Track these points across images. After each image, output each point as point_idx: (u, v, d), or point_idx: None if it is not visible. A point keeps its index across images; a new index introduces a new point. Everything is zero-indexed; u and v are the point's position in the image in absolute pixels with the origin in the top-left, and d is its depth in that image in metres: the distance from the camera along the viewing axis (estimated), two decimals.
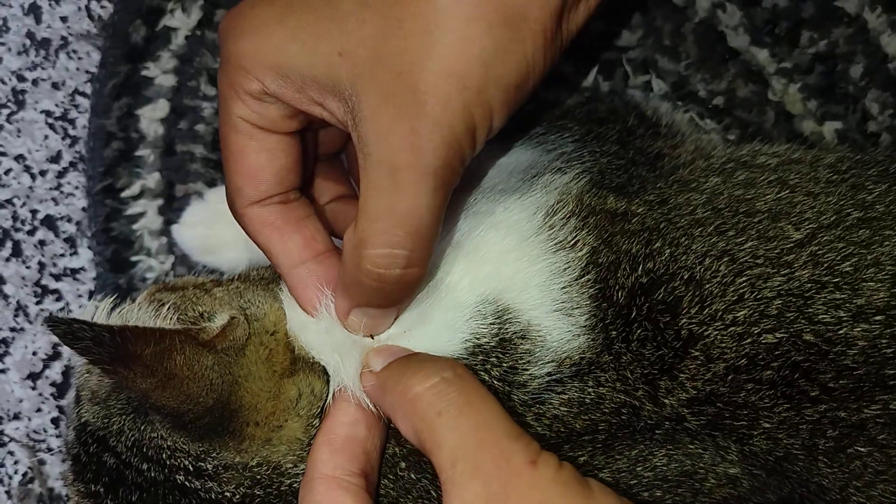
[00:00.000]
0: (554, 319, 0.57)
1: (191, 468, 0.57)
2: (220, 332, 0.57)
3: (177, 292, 0.62)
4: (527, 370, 0.57)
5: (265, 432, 0.57)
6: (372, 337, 0.59)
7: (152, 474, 0.57)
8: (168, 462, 0.57)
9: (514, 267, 0.59)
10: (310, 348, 0.59)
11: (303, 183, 0.60)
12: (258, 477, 0.57)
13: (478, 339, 0.58)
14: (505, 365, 0.57)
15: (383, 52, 0.49)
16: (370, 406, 0.57)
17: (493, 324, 0.58)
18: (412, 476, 0.58)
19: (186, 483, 0.57)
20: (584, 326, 0.57)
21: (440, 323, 0.59)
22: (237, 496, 0.57)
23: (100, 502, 0.59)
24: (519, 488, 0.50)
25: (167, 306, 0.58)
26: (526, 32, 0.50)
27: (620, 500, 0.52)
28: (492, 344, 0.58)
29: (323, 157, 0.66)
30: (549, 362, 0.57)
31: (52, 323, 0.52)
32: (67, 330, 0.52)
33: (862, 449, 0.55)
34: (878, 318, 0.55)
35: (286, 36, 0.51)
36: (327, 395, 0.59)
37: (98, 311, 0.55)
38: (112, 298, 0.56)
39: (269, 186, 0.57)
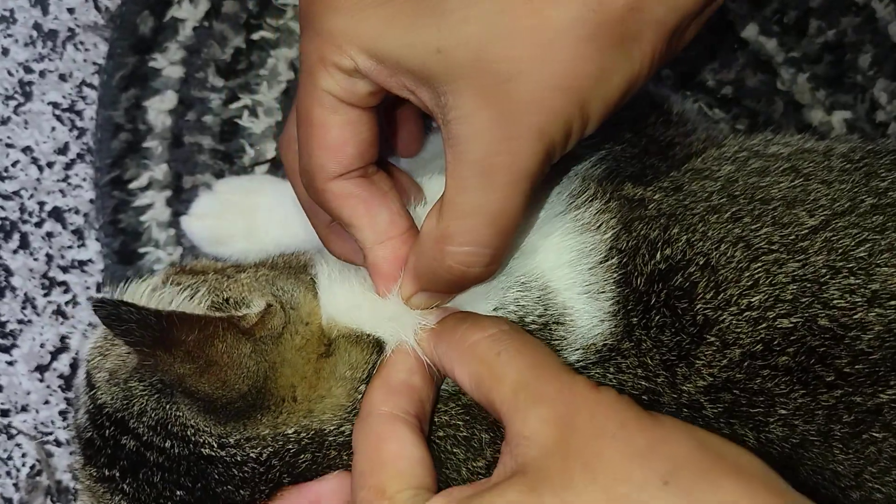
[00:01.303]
0: (583, 302, 0.58)
1: (215, 443, 0.57)
2: (258, 319, 0.56)
3: (197, 276, 0.62)
4: (559, 357, 0.57)
5: (306, 406, 0.57)
6: None
7: (176, 450, 0.57)
8: (194, 438, 0.57)
9: (547, 242, 0.59)
10: (359, 325, 0.59)
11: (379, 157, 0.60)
12: (294, 440, 0.57)
13: (525, 313, 0.58)
14: None
15: (486, 56, 0.49)
16: (426, 359, 0.57)
17: (538, 302, 0.59)
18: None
19: (212, 454, 0.57)
20: (609, 312, 0.57)
21: (489, 297, 0.59)
22: (263, 455, 0.57)
23: (115, 487, 0.58)
24: (585, 408, 0.50)
25: (201, 292, 0.58)
26: (636, 53, 0.50)
27: (686, 426, 0.52)
28: (537, 325, 0.58)
29: None
30: (577, 349, 0.58)
31: (99, 304, 0.53)
32: (113, 311, 0.52)
33: (877, 434, 0.55)
34: (892, 302, 0.55)
35: (383, 22, 0.51)
36: (377, 360, 0.59)
37: (121, 293, 0.55)
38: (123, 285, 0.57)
39: (352, 160, 0.56)
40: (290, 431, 0.57)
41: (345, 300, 0.60)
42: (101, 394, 0.59)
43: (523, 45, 0.49)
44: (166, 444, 0.57)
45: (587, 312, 0.58)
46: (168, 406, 0.57)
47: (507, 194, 0.51)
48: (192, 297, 0.57)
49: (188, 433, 0.57)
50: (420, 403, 0.56)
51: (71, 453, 0.63)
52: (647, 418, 0.49)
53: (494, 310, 0.58)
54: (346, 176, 0.56)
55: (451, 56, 0.49)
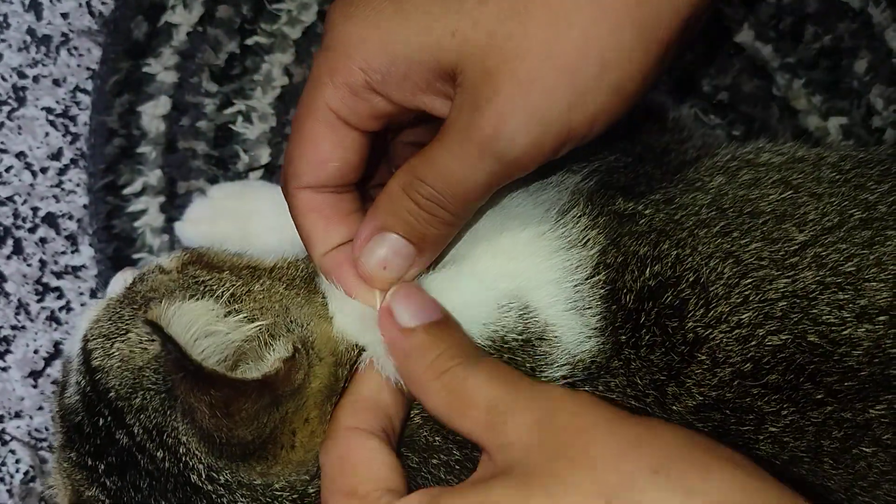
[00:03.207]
0: (567, 318, 0.58)
1: (203, 474, 0.56)
2: (285, 375, 0.55)
3: (213, 273, 0.61)
4: (543, 373, 0.57)
5: (301, 455, 0.57)
6: None
7: (166, 465, 0.56)
8: (184, 459, 0.56)
9: (529, 262, 0.59)
10: (350, 334, 0.59)
11: (361, 180, 0.60)
12: (280, 498, 0.57)
13: (505, 332, 0.58)
14: (528, 365, 0.58)
15: (498, 34, 0.49)
16: (395, 380, 0.57)
17: (517, 320, 0.58)
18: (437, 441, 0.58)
19: (199, 484, 0.56)
20: (596, 328, 0.57)
21: (468, 314, 0.58)
22: None
23: (96, 479, 0.57)
24: (565, 408, 0.50)
25: (251, 323, 0.57)
26: (652, 42, 0.50)
27: (672, 424, 0.52)
28: (518, 343, 0.58)
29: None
30: (563, 365, 0.57)
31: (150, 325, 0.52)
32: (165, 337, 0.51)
33: (867, 449, 0.54)
34: (881, 318, 0.55)
35: (400, 17, 0.51)
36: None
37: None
38: None
39: (329, 177, 0.57)
40: (277, 486, 0.57)
41: (342, 313, 0.60)
42: (111, 378, 0.58)
43: (535, 23, 0.49)
44: (157, 454, 0.56)
45: (572, 329, 0.57)
46: (169, 412, 0.56)
47: (483, 171, 0.52)
48: (238, 325, 0.56)
49: (180, 451, 0.56)
50: (388, 419, 0.56)
51: (54, 423, 0.62)
52: (631, 416, 0.50)
53: (471, 325, 0.58)
54: (317, 189, 0.57)
55: (464, 36, 0.50)
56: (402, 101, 0.54)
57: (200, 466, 0.56)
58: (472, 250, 0.60)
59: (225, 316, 0.56)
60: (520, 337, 0.58)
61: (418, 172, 0.53)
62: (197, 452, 0.56)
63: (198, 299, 0.57)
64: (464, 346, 0.55)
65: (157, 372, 0.57)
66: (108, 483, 0.57)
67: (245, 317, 0.57)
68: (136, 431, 0.56)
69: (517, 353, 0.58)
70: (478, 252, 0.60)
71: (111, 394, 0.57)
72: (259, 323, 0.57)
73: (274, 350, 0.56)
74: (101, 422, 0.57)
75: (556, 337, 0.58)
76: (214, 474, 0.56)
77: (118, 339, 0.59)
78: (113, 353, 0.58)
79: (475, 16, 0.50)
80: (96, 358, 0.59)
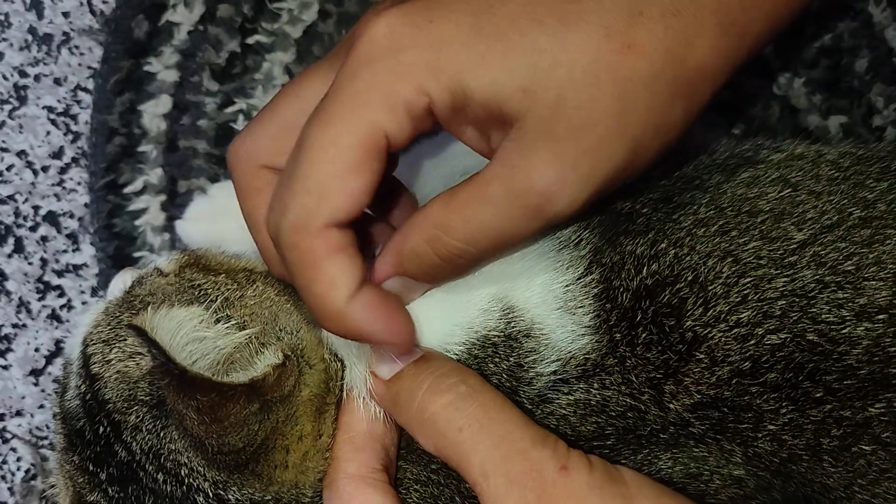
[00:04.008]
0: (557, 318, 0.57)
1: (210, 494, 0.56)
2: (275, 381, 0.54)
3: (209, 277, 0.61)
4: (533, 367, 0.57)
5: (293, 475, 0.57)
6: None
7: (168, 488, 0.56)
8: (186, 480, 0.56)
9: (520, 265, 0.59)
10: (334, 343, 0.60)
11: None
12: None
13: (487, 332, 0.58)
14: (511, 360, 0.58)
15: (567, 101, 0.49)
16: (381, 411, 0.57)
17: (500, 320, 0.58)
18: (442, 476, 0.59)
19: None
20: (589, 326, 0.57)
21: (449, 317, 0.59)
22: None
23: (98, 485, 0.58)
24: (556, 498, 0.50)
25: (232, 321, 0.57)
26: (694, 108, 0.52)
27: (655, 486, 0.53)
28: (501, 338, 0.58)
29: None
30: (554, 361, 0.57)
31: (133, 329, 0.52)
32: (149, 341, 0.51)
33: (866, 447, 0.55)
34: (880, 316, 0.55)
35: (473, 58, 0.49)
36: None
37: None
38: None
39: (360, 209, 0.51)
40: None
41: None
42: (108, 390, 0.58)
43: (602, 94, 0.49)
44: (159, 477, 0.56)
45: (562, 327, 0.57)
46: (162, 431, 0.56)
47: (522, 228, 0.51)
48: (226, 330, 0.56)
49: (182, 472, 0.56)
50: (385, 452, 0.57)
51: (56, 425, 0.62)
52: (617, 498, 0.51)
53: (453, 330, 0.58)
54: (343, 226, 0.52)
55: (534, 96, 0.49)
56: (450, 129, 0.53)
57: (206, 486, 0.56)
58: None
59: (216, 322, 0.56)
60: (502, 334, 0.58)
61: (449, 226, 0.52)
62: (198, 468, 0.56)
63: (191, 305, 0.57)
64: (453, 380, 0.55)
65: (152, 384, 0.57)
66: (110, 491, 0.58)
67: (235, 323, 0.57)
68: (133, 449, 0.56)
69: (499, 349, 0.58)
70: None
71: (109, 405, 0.57)
72: (249, 331, 0.56)
73: (264, 357, 0.56)
74: (102, 430, 0.57)
75: (543, 334, 0.58)
76: (221, 492, 0.56)
77: (116, 345, 0.59)
78: (111, 359, 0.58)
79: (548, 77, 0.49)
80: (95, 364, 0.59)
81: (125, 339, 0.58)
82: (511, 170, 0.50)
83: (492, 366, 0.58)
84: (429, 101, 0.50)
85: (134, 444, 0.56)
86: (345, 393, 0.59)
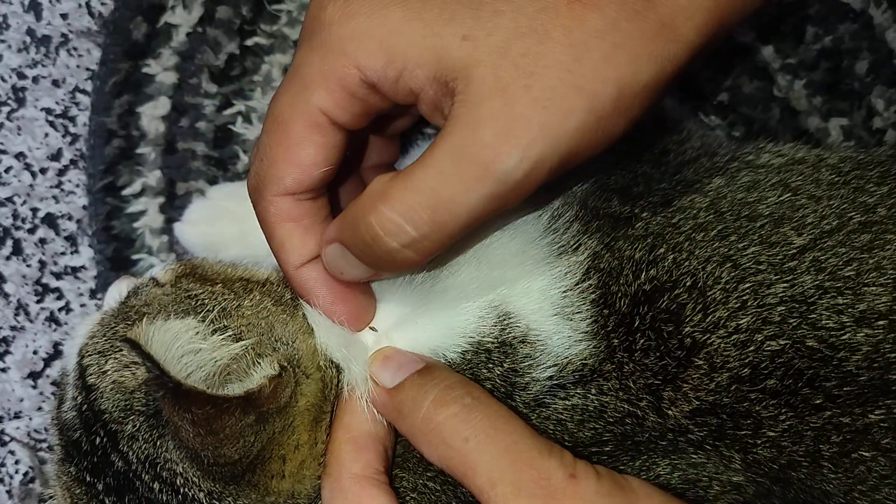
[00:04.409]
0: (553, 324, 0.57)
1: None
2: (271, 392, 0.54)
3: (205, 287, 0.61)
4: (529, 373, 0.57)
5: (290, 484, 0.57)
6: (375, 329, 0.59)
7: (164, 497, 0.56)
8: (182, 490, 0.56)
9: (517, 271, 0.58)
10: (330, 350, 0.59)
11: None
12: None
13: (481, 338, 0.58)
14: (506, 365, 0.58)
15: (513, 48, 0.48)
16: (381, 417, 0.57)
17: (494, 326, 0.58)
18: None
19: None
20: (586, 332, 0.57)
21: (444, 323, 0.59)
22: None
23: (95, 495, 0.57)
24: None
25: (229, 332, 0.57)
26: (665, 73, 0.50)
27: (662, 494, 0.52)
28: (494, 344, 0.58)
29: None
30: (550, 366, 0.57)
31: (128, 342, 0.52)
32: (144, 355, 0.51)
33: (866, 454, 0.54)
34: (880, 322, 0.55)
35: (407, 16, 0.49)
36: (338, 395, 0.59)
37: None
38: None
39: (312, 182, 0.54)
40: None
41: (324, 332, 0.60)
42: (105, 400, 0.58)
43: (553, 43, 0.48)
44: (155, 486, 0.56)
45: (558, 332, 0.57)
46: (158, 440, 0.56)
47: (465, 189, 0.49)
48: (221, 341, 0.56)
49: (177, 482, 0.56)
50: (385, 452, 0.57)
51: (51, 437, 0.62)
52: (621, 490, 0.51)
53: (449, 337, 0.58)
54: (297, 196, 0.55)
55: (476, 42, 0.48)
56: (396, 99, 0.53)
57: (201, 496, 0.56)
58: (454, 258, 0.60)
59: (212, 333, 0.56)
60: (496, 340, 0.58)
61: (388, 194, 0.50)
62: (194, 479, 0.56)
63: (188, 316, 0.57)
64: (458, 391, 0.54)
65: (148, 395, 0.57)
66: (107, 501, 0.57)
67: (232, 334, 0.57)
68: (130, 458, 0.56)
69: (493, 354, 0.58)
70: (460, 261, 0.60)
71: (105, 416, 0.57)
72: (245, 342, 0.56)
73: (260, 368, 0.55)
74: (98, 441, 0.57)
75: (539, 340, 0.57)
76: (217, 503, 0.56)
77: (112, 355, 0.59)
78: (107, 370, 0.58)
79: (491, 24, 0.48)
80: (91, 375, 0.59)
81: (121, 350, 0.58)
82: (455, 126, 0.49)
83: (485, 371, 0.58)
84: (360, 72, 0.50)
85: (130, 453, 0.56)
86: (346, 393, 0.59)
